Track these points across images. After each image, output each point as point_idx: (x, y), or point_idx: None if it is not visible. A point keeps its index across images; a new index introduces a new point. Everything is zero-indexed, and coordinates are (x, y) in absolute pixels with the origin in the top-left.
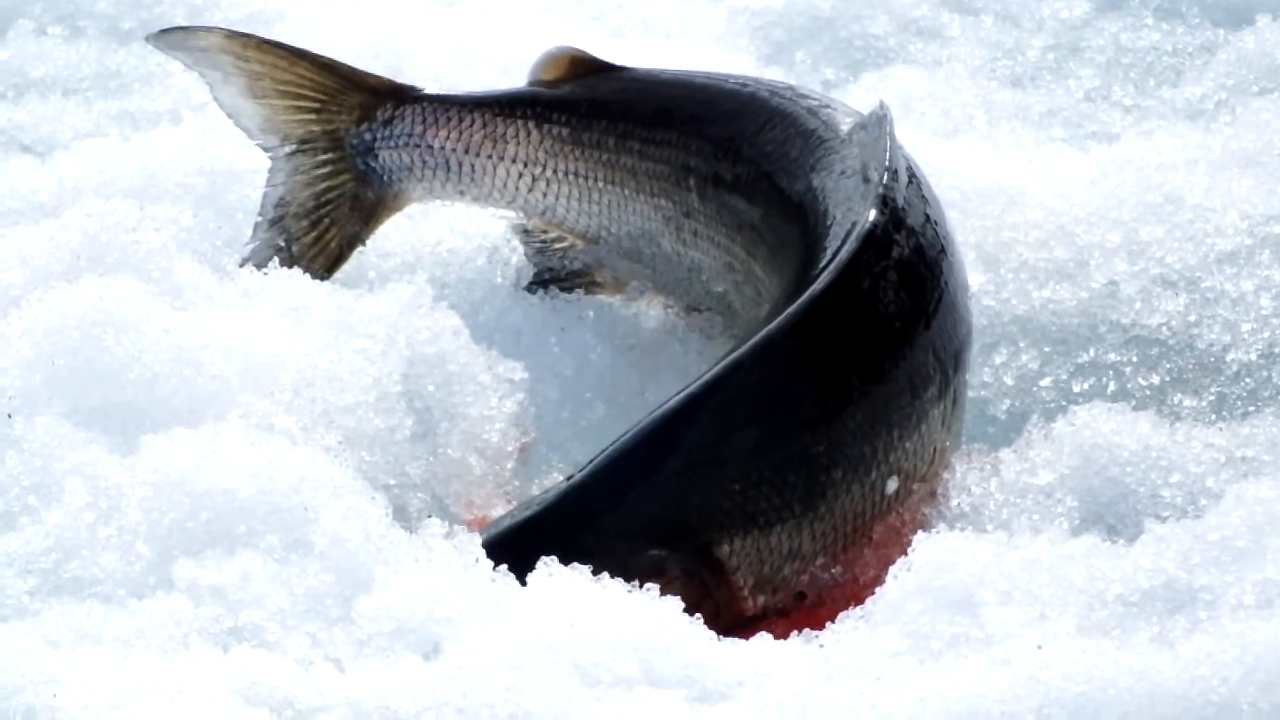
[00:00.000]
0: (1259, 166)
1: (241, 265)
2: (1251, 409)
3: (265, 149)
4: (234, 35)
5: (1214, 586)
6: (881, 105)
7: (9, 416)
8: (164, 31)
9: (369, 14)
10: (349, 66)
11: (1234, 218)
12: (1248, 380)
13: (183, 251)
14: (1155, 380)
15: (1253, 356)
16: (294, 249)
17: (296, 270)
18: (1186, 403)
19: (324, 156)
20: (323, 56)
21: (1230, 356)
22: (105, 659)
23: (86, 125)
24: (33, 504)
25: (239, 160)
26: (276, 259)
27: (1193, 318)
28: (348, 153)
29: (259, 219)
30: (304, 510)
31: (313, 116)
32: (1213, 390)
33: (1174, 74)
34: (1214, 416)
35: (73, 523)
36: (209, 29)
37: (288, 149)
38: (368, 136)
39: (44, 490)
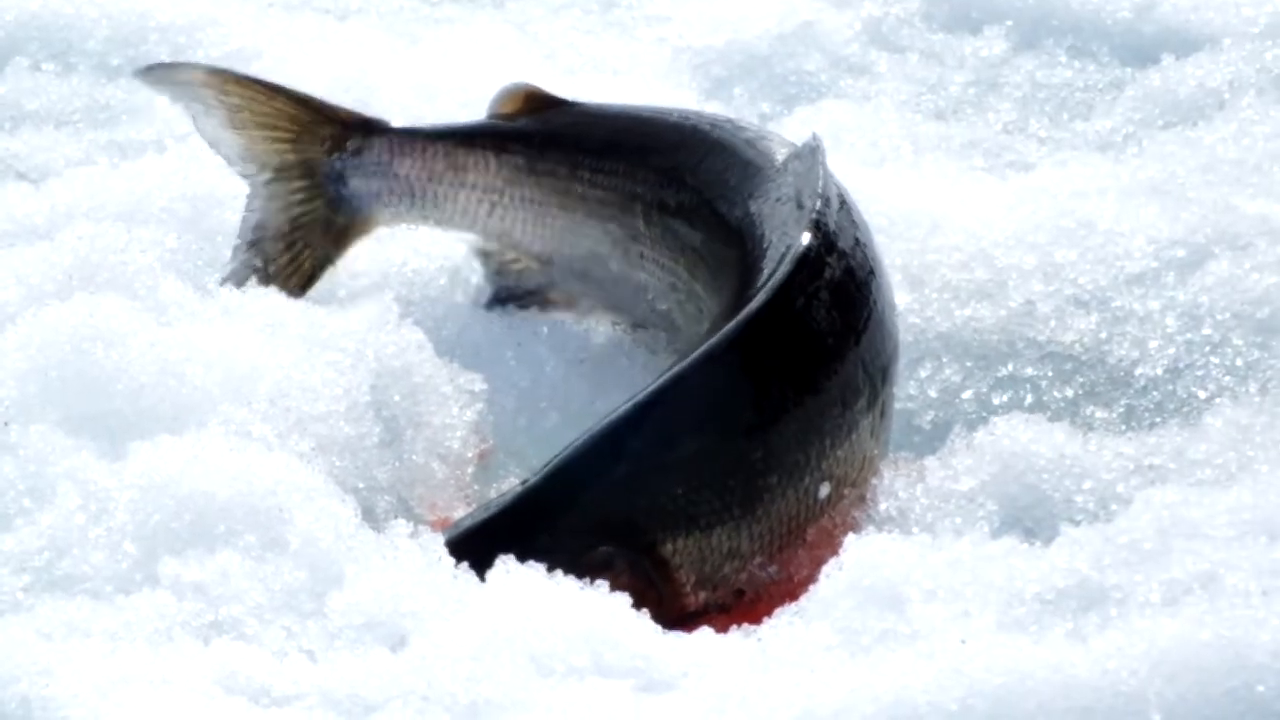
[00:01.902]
0: (1164, 194)
1: (222, 284)
2: (1158, 420)
3: (244, 176)
4: (215, 71)
5: (1124, 585)
6: (814, 137)
7: (5, 425)
8: (150, 67)
9: (340, 52)
10: (321, 100)
11: (1141, 242)
12: (1155, 393)
13: (167, 271)
14: (1069, 393)
15: (1159, 371)
16: (270, 269)
17: (273, 289)
18: (1098, 414)
19: (298, 183)
20: (297, 91)
21: (1139, 371)
22: (94, 651)
23: (78, 154)
24: (27, 506)
25: (219, 187)
26: (254, 278)
27: (1104, 335)
28: (320, 180)
29: (238, 241)
30: (279, 511)
31: (288, 146)
32: (1122, 403)
33: (1085, 108)
34: (1124, 427)
35: (64, 523)
36: (192, 65)
37: (265, 176)
38: (339, 165)
39: (38, 493)
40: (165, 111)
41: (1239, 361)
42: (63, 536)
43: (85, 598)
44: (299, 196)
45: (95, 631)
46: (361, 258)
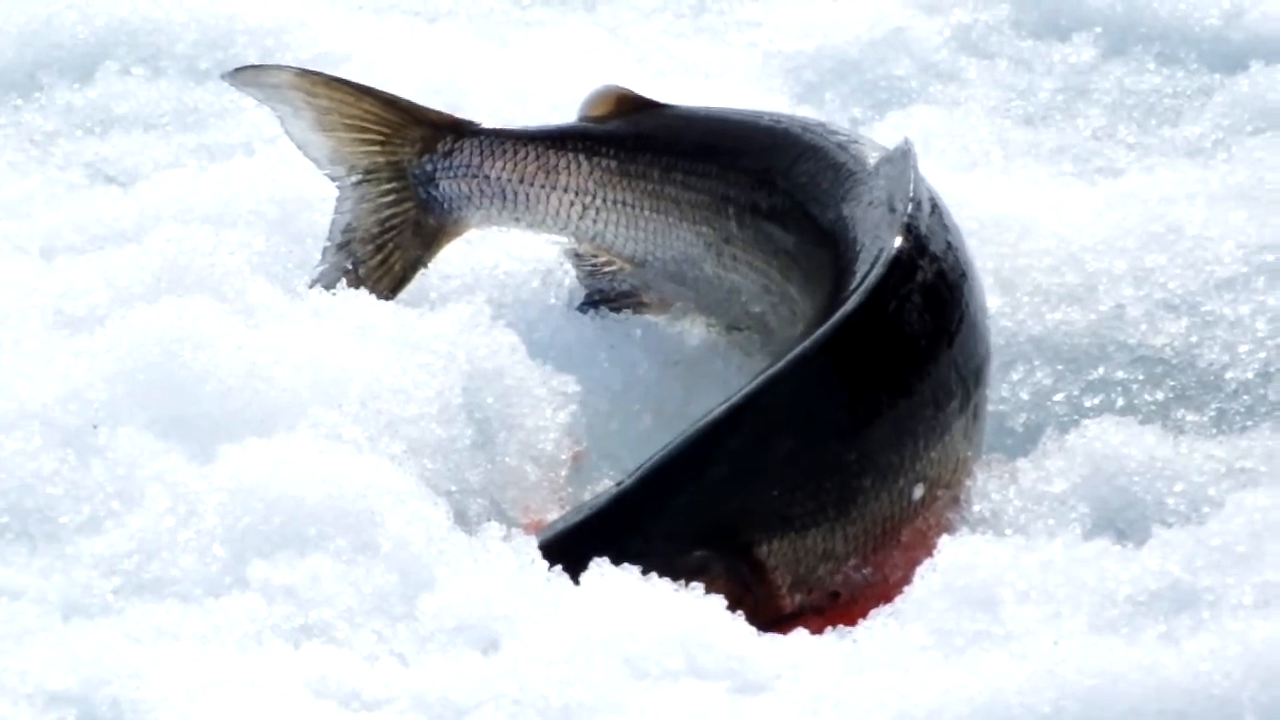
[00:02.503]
0: (1253, 200)
1: (311, 286)
2: (1249, 424)
3: (333, 179)
4: (304, 73)
5: (1216, 588)
6: (906, 141)
7: (95, 428)
8: (238, 70)
9: (430, 54)
10: (411, 102)
11: (1230, 246)
12: (1245, 397)
13: (256, 274)
14: (1160, 396)
15: (1250, 375)
16: (360, 271)
17: (363, 291)
18: (1189, 417)
19: (388, 185)
20: (386, 93)
21: (1229, 375)
22: (184, 654)
23: (166, 157)
24: (116, 509)
25: (308, 189)
26: (344, 280)
27: (1194, 339)
28: (410, 182)
29: (327, 243)
30: (370, 514)
31: (377, 148)
32: (1213, 406)
33: (1174, 114)
34: (1214, 430)
35: (154, 526)
36: (280, 67)
37: (354, 178)
38: (429, 167)
39: (127, 496)
40: (254, 114)
41: None
42: (152, 539)
43: (174, 601)
44: (389, 199)
45: (185, 635)
46: (452, 260)
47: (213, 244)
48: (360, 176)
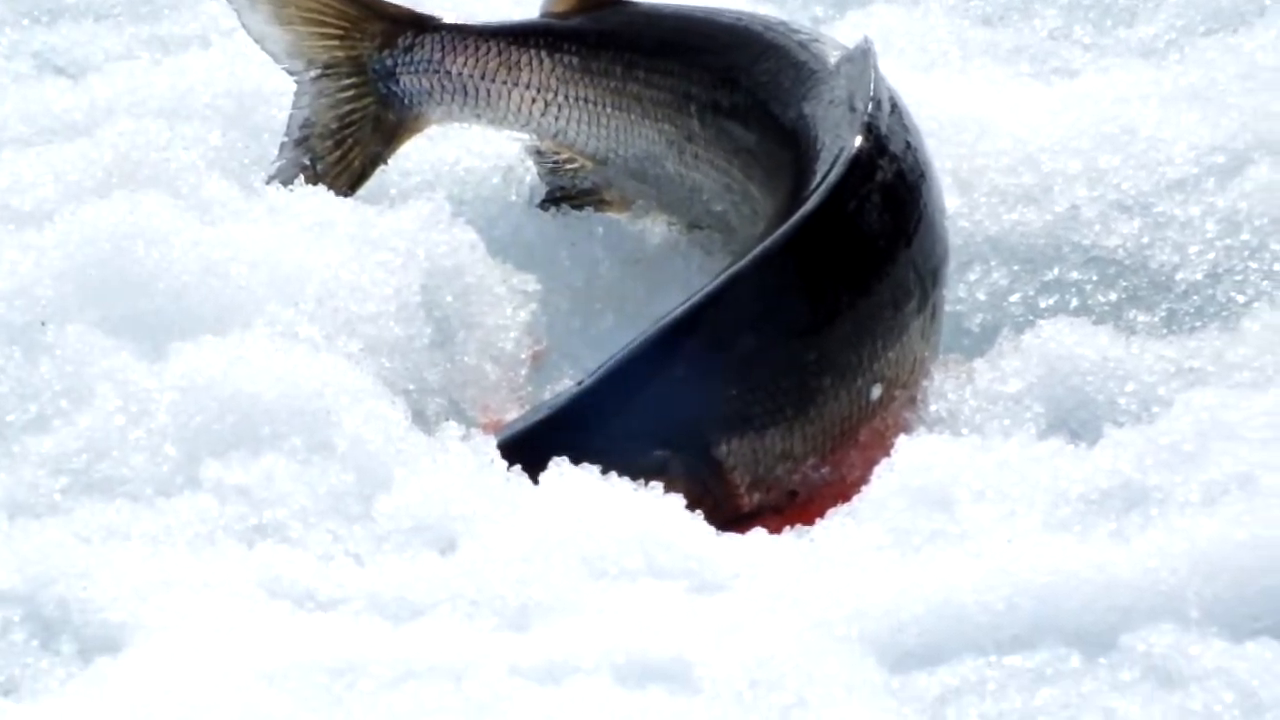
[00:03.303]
0: (1205, 101)
1: (268, 182)
2: (1198, 324)
3: (291, 73)
4: None
5: (1164, 486)
6: (866, 40)
7: (43, 325)
8: None
9: None
10: None
11: (1183, 148)
12: (1195, 298)
13: (211, 169)
14: (1113, 297)
15: (1199, 276)
16: (319, 167)
17: (321, 187)
18: (1140, 318)
19: (348, 81)
20: None
21: (1179, 276)
22: (133, 554)
23: (118, 49)
24: (65, 407)
25: (266, 83)
26: (302, 176)
27: (1146, 240)
28: (370, 77)
29: (285, 139)
30: (326, 414)
31: (336, 43)
32: (1164, 307)
33: (1129, 16)
34: (1165, 331)
35: (103, 425)
36: None
37: (313, 73)
38: (389, 62)
39: (76, 394)
40: (209, 6)
41: (1277, 266)
42: (101, 438)
43: (124, 500)
44: (348, 94)
45: (134, 535)
46: (412, 156)
47: (167, 138)
48: (319, 71)
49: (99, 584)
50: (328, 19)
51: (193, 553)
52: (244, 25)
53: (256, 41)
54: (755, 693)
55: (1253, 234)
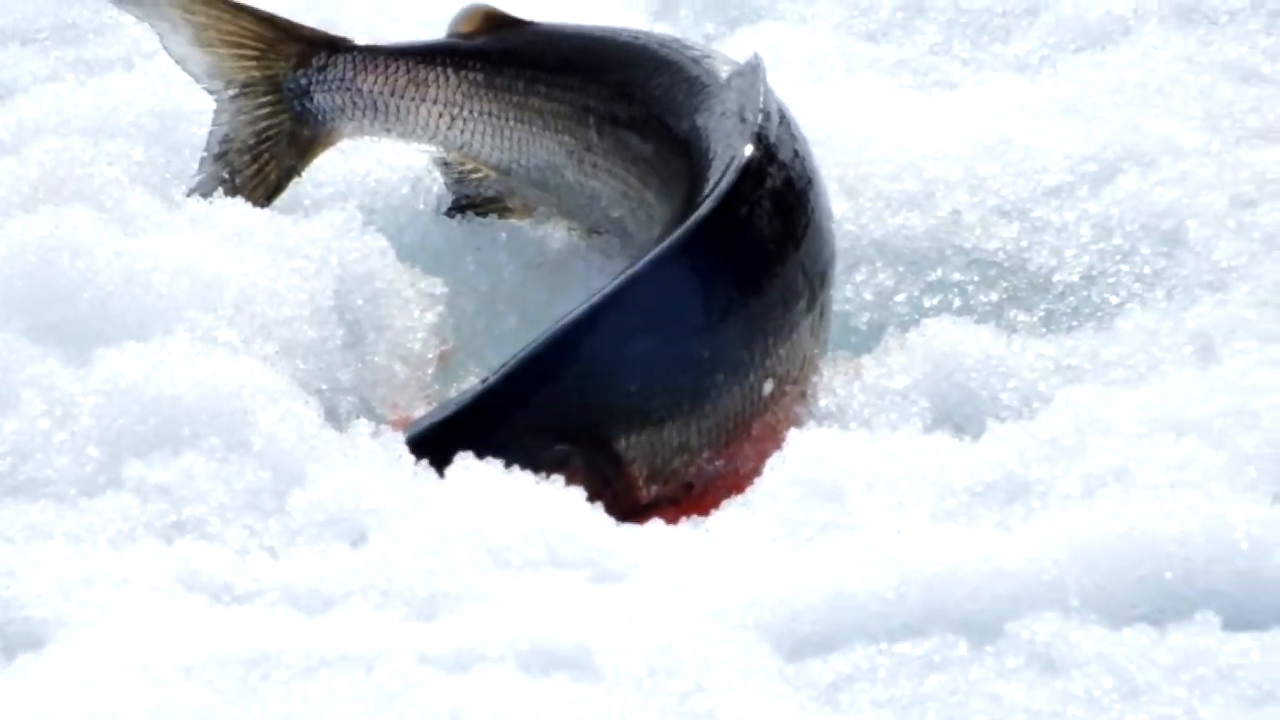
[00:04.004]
0: (1077, 113)
1: (189, 195)
2: (1075, 324)
3: (211, 92)
4: None
5: (1045, 479)
6: (756, 55)
7: None
8: None
9: None
10: (286, 19)
11: (1057, 157)
12: (1071, 299)
13: (134, 183)
14: (994, 297)
15: (1075, 278)
16: (237, 180)
17: (239, 199)
18: (1020, 317)
19: (264, 99)
20: (262, 10)
21: (1056, 278)
22: (57, 552)
23: (44, 71)
24: None
25: (186, 102)
26: (221, 189)
27: (1024, 243)
28: (285, 95)
29: (205, 154)
30: (244, 413)
31: (254, 63)
32: (1042, 307)
33: (1004, 33)
34: (1043, 329)
35: (29, 428)
36: None
37: (231, 92)
38: (304, 81)
39: (2, 400)
40: (132, 30)
41: (1147, 269)
42: (27, 441)
43: (49, 501)
44: (265, 111)
45: (58, 534)
46: (325, 169)
47: (91, 155)
48: (237, 90)
49: (23, 582)
50: (246, 41)
51: (114, 550)
52: (166, 48)
53: (178, 63)
54: (654, 680)
55: (1124, 238)
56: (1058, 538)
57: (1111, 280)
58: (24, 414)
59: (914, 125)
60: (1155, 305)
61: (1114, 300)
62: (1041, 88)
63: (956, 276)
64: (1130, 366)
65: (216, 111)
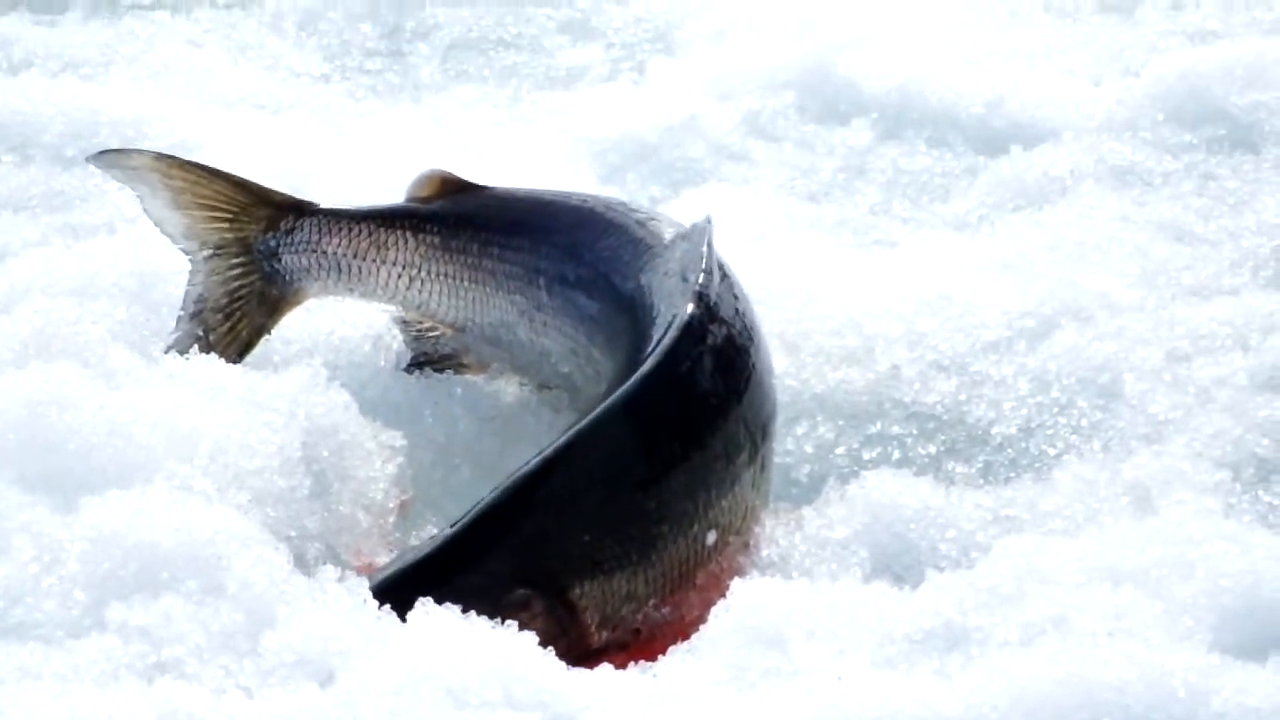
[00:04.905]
0: (1014, 270)
1: (166, 352)
2: (1013, 475)
3: (186, 253)
4: (160, 156)
5: (984, 627)
6: (706, 218)
7: None
8: (101, 153)
9: (275, 142)
10: (258, 184)
11: (995, 313)
12: (1009, 450)
13: (116, 341)
14: (932, 450)
15: (1013, 430)
16: (211, 338)
17: (213, 356)
18: (958, 469)
19: (236, 260)
20: (236, 175)
21: (994, 430)
22: (45, 692)
23: (34, 236)
24: None
25: (164, 263)
26: (196, 346)
27: (963, 397)
28: (256, 256)
29: (181, 313)
30: (218, 559)
31: (227, 225)
32: (980, 459)
33: (943, 192)
34: (982, 481)
35: (19, 574)
36: (139, 151)
37: (205, 253)
38: (273, 243)
39: None
40: (116, 197)
41: (1084, 422)
42: (16, 585)
43: (37, 643)
44: (236, 272)
45: (46, 674)
46: (293, 326)
47: (77, 314)
48: (211, 251)
49: None
50: (219, 204)
51: (98, 689)
52: (145, 211)
53: (156, 224)
54: None
55: (1061, 391)
56: (997, 685)
57: (1049, 432)
58: (14, 559)
59: (855, 282)
60: (1092, 457)
61: (1051, 452)
62: (980, 246)
63: (896, 430)
64: (1068, 517)
65: (191, 272)
